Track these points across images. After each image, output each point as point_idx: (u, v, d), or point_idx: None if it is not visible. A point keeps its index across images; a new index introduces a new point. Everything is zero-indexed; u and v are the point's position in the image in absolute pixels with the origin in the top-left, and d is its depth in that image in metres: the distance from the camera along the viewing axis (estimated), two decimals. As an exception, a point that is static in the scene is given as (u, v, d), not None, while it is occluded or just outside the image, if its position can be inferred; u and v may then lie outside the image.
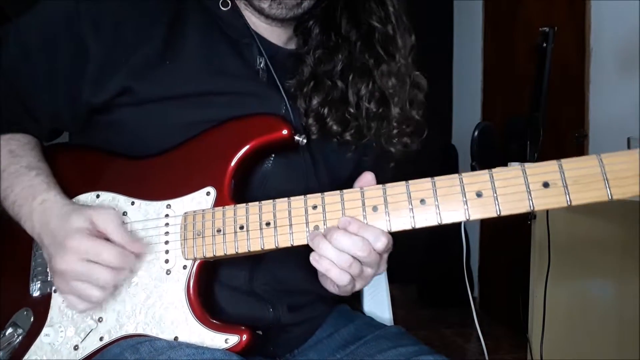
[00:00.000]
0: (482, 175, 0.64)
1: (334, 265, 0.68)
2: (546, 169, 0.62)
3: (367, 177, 0.72)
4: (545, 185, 0.62)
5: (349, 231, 0.67)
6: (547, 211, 1.84)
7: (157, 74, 0.80)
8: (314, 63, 0.87)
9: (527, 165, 0.62)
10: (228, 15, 0.85)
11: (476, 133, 2.02)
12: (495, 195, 0.64)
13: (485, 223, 3.29)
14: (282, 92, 0.84)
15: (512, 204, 0.63)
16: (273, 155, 0.83)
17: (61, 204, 0.77)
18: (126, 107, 0.80)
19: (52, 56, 0.81)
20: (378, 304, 1.09)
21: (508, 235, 2.88)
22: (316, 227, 0.70)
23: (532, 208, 0.62)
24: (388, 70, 0.87)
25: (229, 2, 0.85)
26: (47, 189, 0.79)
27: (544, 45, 1.81)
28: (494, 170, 0.64)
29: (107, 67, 0.79)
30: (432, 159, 3.44)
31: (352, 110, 0.86)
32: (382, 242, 0.67)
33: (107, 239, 0.72)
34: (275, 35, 0.89)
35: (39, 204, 0.77)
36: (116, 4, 0.81)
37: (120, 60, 0.79)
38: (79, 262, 0.70)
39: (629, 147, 1.59)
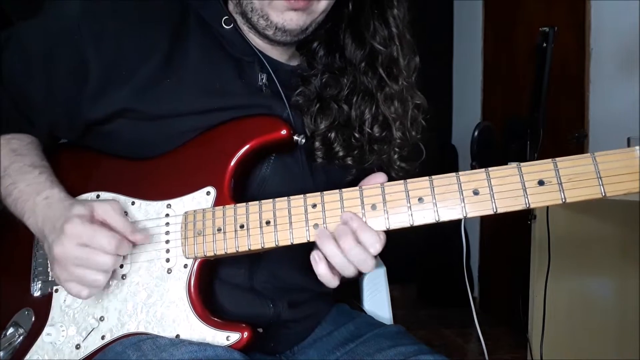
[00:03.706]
0: (479, 173, 0.65)
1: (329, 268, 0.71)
2: (541, 167, 0.63)
3: (379, 178, 0.71)
4: (541, 183, 0.63)
5: (349, 226, 0.69)
6: (547, 211, 1.84)
7: (158, 93, 0.79)
8: (320, 87, 0.87)
9: (522, 163, 0.63)
10: (230, 34, 0.84)
11: (476, 133, 2.02)
12: (491, 193, 0.65)
13: (485, 223, 3.29)
14: (285, 100, 0.84)
15: (508, 201, 0.64)
16: (272, 158, 0.83)
17: (64, 199, 0.78)
18: (124, 119, 0.81)
19: (51, 70, 0.81)
20: (378, 303, 1.10)
21: (508, 235, 2.88)
22: (316, 226, 0.70)
23: (527, 205, 0.63)
24: (391, 94, 0.87)
25: (232, 21, 0.84)
26: (51, 186, 0.80)
27: (544, 45, 1.81)
28: (490, 168, 0.65)
29: (107, 84, 0.79)
30: (432, 159, 3.43)
31: (357, 135, 0.86)
32: (375, 249, 0.69)
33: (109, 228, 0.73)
34: (278, 52, 0.89)
35: (43, 199, 0.78)
36: (118, 19, 0.80)
37: (121, 78, 0.78)
38: (76, 246, 0.71)
39: (628, 147, 1.59)
